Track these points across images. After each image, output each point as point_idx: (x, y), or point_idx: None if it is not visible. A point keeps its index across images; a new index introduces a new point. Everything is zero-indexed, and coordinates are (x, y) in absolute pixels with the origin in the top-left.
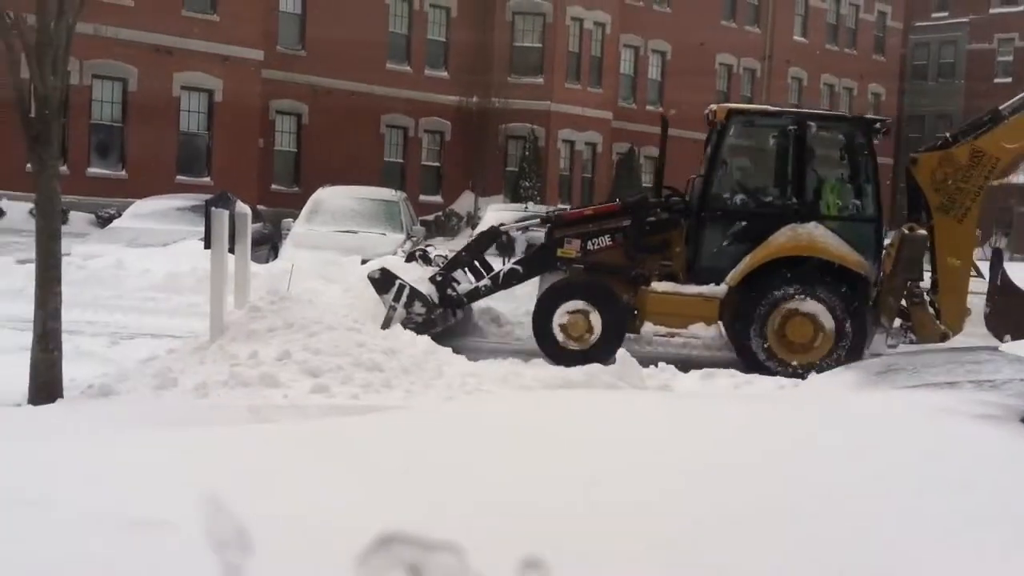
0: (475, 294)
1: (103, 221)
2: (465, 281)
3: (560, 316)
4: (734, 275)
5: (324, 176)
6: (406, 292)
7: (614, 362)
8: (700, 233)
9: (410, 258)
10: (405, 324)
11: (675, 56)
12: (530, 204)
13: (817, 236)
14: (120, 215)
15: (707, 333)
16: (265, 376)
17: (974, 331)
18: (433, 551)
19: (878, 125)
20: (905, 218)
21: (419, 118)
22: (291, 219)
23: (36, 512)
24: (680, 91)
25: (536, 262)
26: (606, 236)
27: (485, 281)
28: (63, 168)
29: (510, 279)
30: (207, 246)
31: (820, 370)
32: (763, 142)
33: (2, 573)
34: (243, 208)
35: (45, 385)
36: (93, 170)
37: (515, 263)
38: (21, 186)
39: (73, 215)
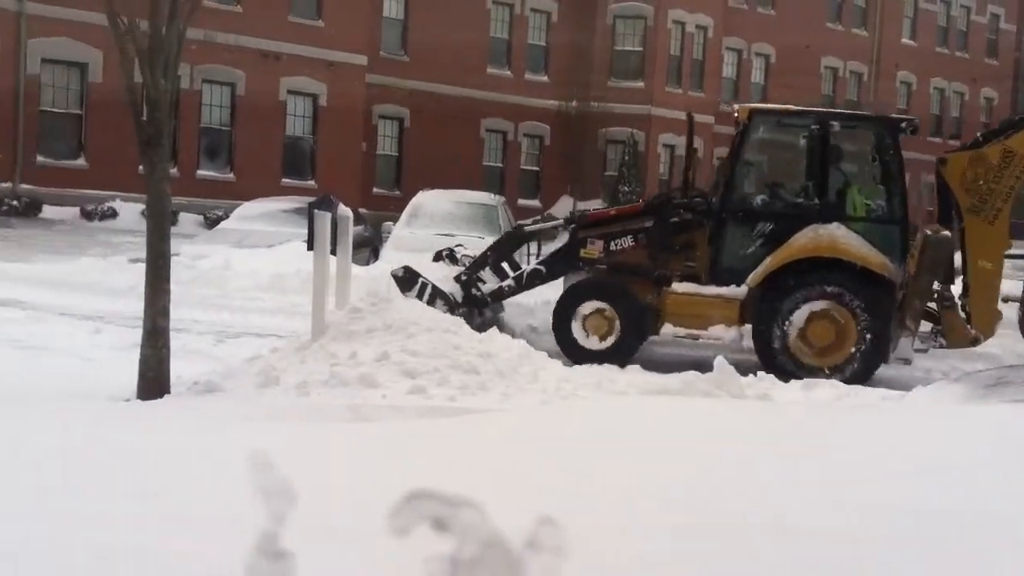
0: (499, 294)
1: (211, 222)
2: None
3: (580, 316)
4: (755, 276)
5: (424, 180)
6: (428, 290)
7: (628, 360)
8: (721, 234)
9: (437, 257)
10: None
11: (779, 59)
12: None
13: (839, 237)
14: (228, 217)
15: (728, 335)
16: (364, 376)
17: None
18: (456, 506)
19: (903, 125)
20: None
21: (519, 122)
22: (391, 222)
23: (143, 504)
24: (784, 94)
25: (559, 263)
26: (629, 237)
27: (509, 281)
28: (173, 171)
29: (533, 279)
30: (310, 248)
31: (841, 373)
32: (786, 142)
33: (117, 563)
34: (345, 211)
35: (153, 381)
36: (202, 172)
37: (539, 263)
38: (134, 188)
39: (183, 216)
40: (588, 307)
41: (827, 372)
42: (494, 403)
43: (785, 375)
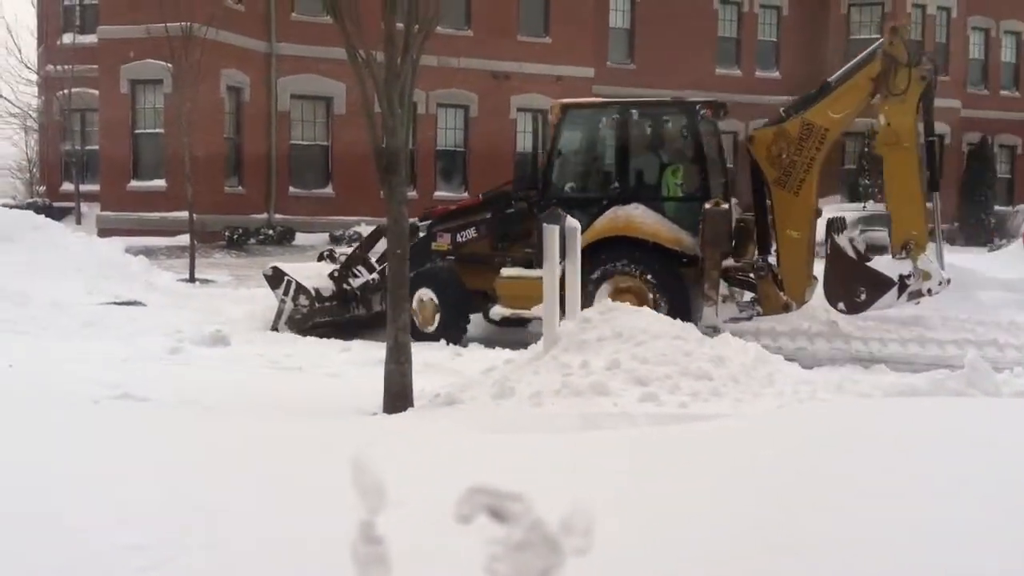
0: (366, 287)
1: None
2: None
3: (415, 303)
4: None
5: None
6: (293, 287)
7: (461, 342)
8: (519, 222)
9: (320, 257)
10: (293, 315)
11: None
12: (869, 203)
13: (634, 217)
14: None
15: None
16: (595, 385)
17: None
18: (505, 499)
19: (699, 107)
20: None
21: (750, 121)
22: None
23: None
24: None
25: (415, 256)
26: (472, 229)
27: (374, 275)
28: (412, 193)
29: (429, 262)
30: (539, 261)
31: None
32: (595, 132)
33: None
34: (572, 223)
35: (397, 395)
36: (440, 193)
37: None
38: (377, 212)
39: None
40: (418, 295)
41: None
42: (727, 409)
43: None
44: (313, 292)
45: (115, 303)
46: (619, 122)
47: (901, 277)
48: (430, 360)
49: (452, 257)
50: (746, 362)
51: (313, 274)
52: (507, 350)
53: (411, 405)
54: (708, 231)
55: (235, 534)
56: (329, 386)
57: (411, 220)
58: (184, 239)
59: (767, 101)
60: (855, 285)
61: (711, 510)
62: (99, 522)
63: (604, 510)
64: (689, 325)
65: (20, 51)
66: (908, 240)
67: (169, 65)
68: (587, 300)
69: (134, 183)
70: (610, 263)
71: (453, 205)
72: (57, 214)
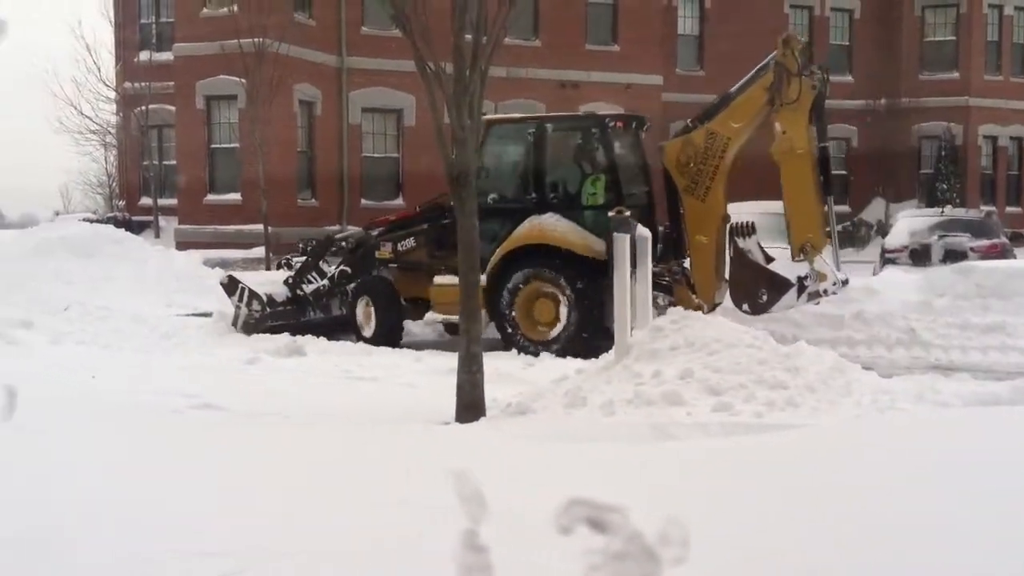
0: (318, 293)
1: None
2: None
3: (357, 309)
4: (489, 266)
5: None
6: (246, 293)
7: (397, 345)
8: (440, 233)
9: (279, 266)
10: (248, 320)
11: None
12: (947, 208)
13: (547, 226)
14: None
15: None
16: (668, 394)
17: None
18: (604, 511)
19: (608, 121)
20: None
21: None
22: None
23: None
24: None
25: (361, 264)
26: (411, 239)
27: (324, 282)
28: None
29: (342, 279)
30: (610, 270)
31: (559, 343)
32: (513, 147)
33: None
34: (643, 231)
35: (470, 404)
36: None
37: (344, 265)
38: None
39: None
40: (359, 303)
41: (552, 345)
42: (803, 418)
43: (520, 349)
44: (265, 298)
45: (193, 315)
46: (536, 136)
47: (799, 279)
48: (502, 370)
49: (395, 265)
50: (822, 371)
51: (266, 281)
52: (579, 360)
53: (483, 414)
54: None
55: (314, 541)
56: (402, 395)
57: (339, 233)
58: (259, 251)
59: (840, 106)
60: (757, 287)
61: (798, 524)
62: (181, 528)
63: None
64: (763, 333)
65: (100, 70)
66: (805, 243)
67: (243, 81)
68: (509, 304)
69: (210, 197)
70: (527, 270)
71: (393, 216)
72: (136, 228)
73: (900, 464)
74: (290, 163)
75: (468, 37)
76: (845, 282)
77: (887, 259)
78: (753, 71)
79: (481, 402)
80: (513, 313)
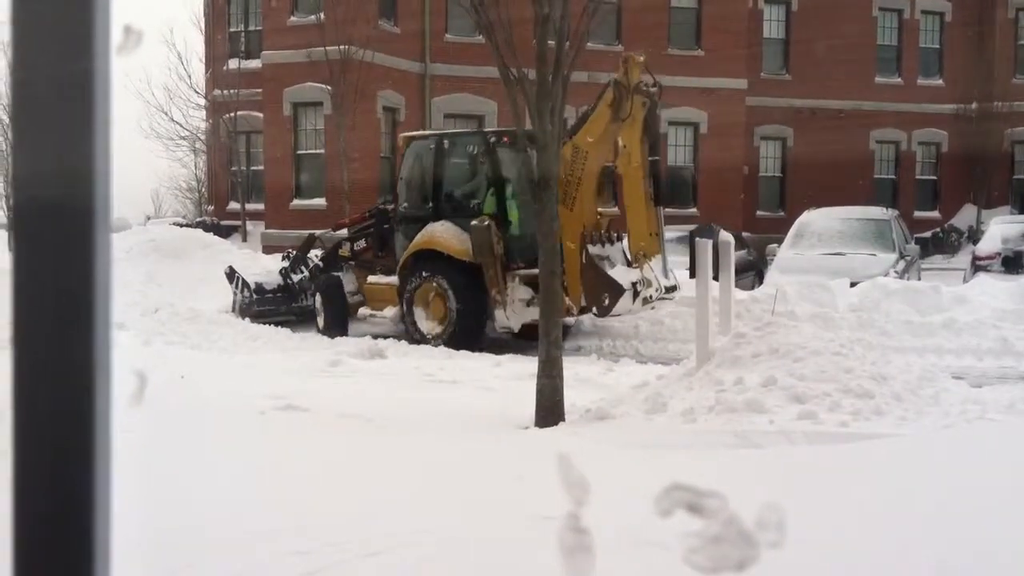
0: (301, 284)
1: None
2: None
3: (315, 304)
4: (398, 268)
5: (810, 199)
6: (240, 282)
7: (344, 335)
8: (394, 235)
9: (283, 258)
10: (241, 304)
11: None
12: None
13: (436, 233)
14: None
15: (391, 313)
16: (750, 402)
17: None
18: (703, 496)
19: (491, 137)
20: None
21: (912, 130)
22: (776, 244)
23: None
24: None
25: (330, 261)
26: (363, 240)
27: (306, 274)
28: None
29: (317, 273)
30: (692, 275)
31: (444, 339)
32: (421, 160)
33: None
34: (726, 237)
35: (549, 409)
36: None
37: (319, 260)
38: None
39: None
40: (316, 298)
41: (441, 339)
42: (889, 428)
43: (420, 342)
44: (253, 286)
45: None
46: (435, 151)
47: (632, 284)
48: (581, 374)
49: (352, 263)
50: (910, 380)
51: (262, 271)
52: (659, 365)
53: (563, 419)
54: (473, 244)
55: (398, 540)
56: (481, 399)
57: (318, 232)
58: None
59: (930, 110)
60: (600, 292)
61: (883, 537)
62: (263, 528)
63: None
64: (851, 341)
65: (190, 77)
66: (639, 251)
67: (329, 88)
68: (409, 302)
69: (296, 202)
70: (421, 272)
71: (346, 219)
72: (224, 232)
73: (989, 477)
74: (373, 169)
75: (551, 43)
76: (673, 288)
77: (978, 266)
78: (601, 89)
79: (561, 407)
80: (414, 310)
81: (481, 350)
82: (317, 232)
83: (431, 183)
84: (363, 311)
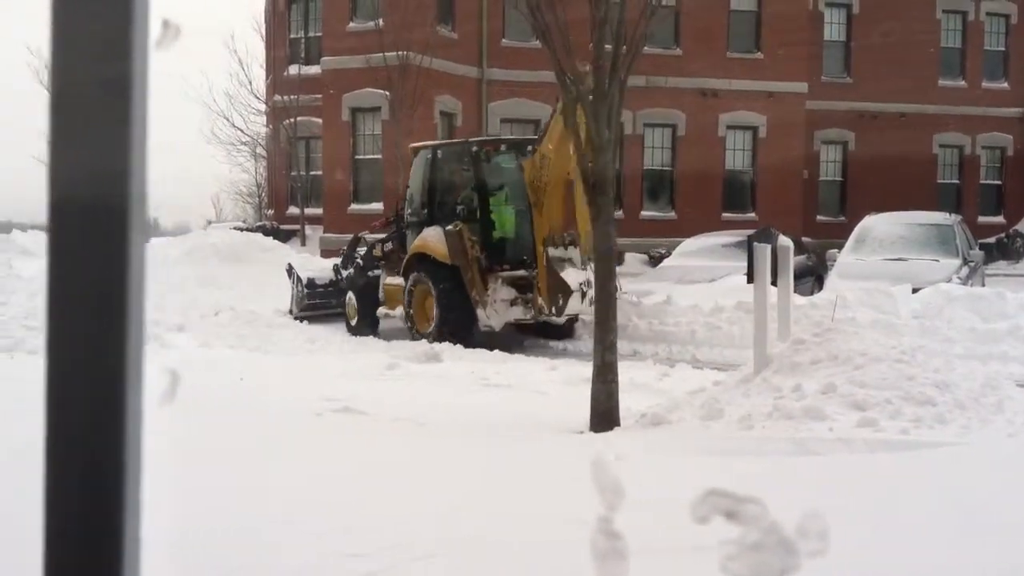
0: (349, 279)
1: (654, 260)
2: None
3: (347, 305)
4: (402, 271)
5: (871, 203)
6: (295, 278)
7: (378, 335)
8: (403, 239)
9: (339, 253)
10: (297, 300)
11: None
12: None
13: (428, 237)
14: (669, 254)
15: (399, 312)
16: (809, 409)
17: None
18: (742, 502)
19: (474, 147)
20: None
21: (976, 134)
22: (836, 250)
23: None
24: None
25: (368, 260)
26: (390, 242)
27: (351, 271)
28: (618, 213)
29: (359, 270)
30: (750, 281)
31: (434, 336)
32: (423, 168)
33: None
34: (785, 241)
35: (604, 414)
36: (646, 213)
37: (360, 259)
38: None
39: (628, 256)
40: (348, 298)
41: (430, 336)
42: (952, 436)
43: (418, 339)
44: (306, 281)
45: (351, 325)
46: (431, 160)
47: (580, 285)
48: (637, 380)
49: (383, 262)
50: (973, 387)
51: (316, 268)
52: (716, 371)
53: (617, 424)
54: (448, 248)
55: (449, 544)
56: (536, 403)
57: (361, 233)
58: None
59: (994, 113)
60: (556, 293)
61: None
62: (323, 530)
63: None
64: (913, 348)
65: (251, 83)
66: (587, 253)
67: (387, 93)
68: (408, 301)
69: (354, 206)
70: (414, 274)
71: (377, 222)
72: (283, 236)
73: None
74: None
75: (607, 47)
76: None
77: None
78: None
79: (615, 412)
80: (411, 310)
81: (474, 346)
82: (362, 233)
83: (427, 190)
84: (381, 310)
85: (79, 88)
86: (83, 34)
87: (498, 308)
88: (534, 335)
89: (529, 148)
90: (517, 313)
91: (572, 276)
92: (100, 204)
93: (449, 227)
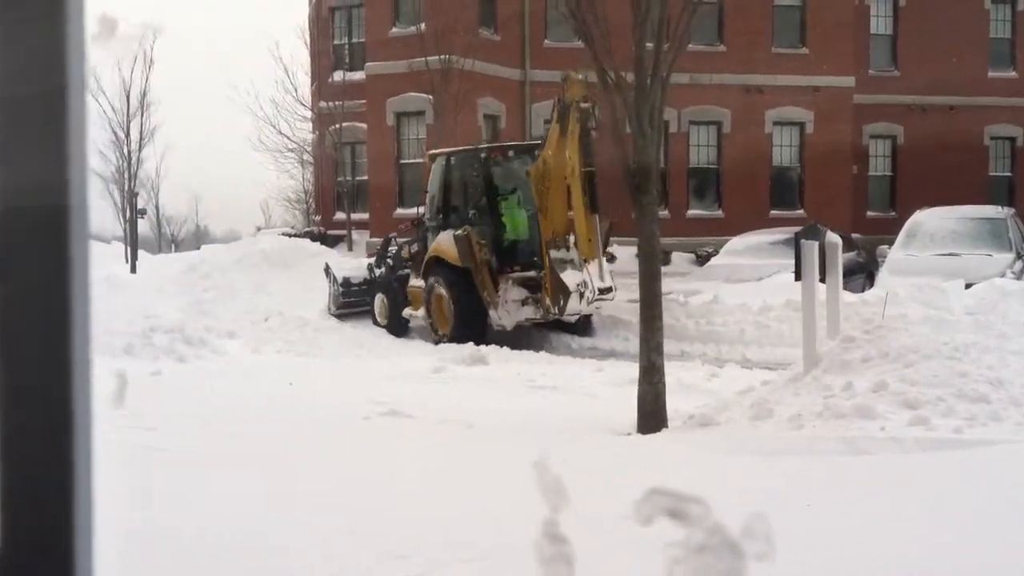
0: (383, 278)
1: (701, 260)
2: None
3: (377, 303)
4: (422, 272)
5: (921, 198)
6: (331, 276)
7: (407, 335)
8: (426, 241)
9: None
10: (333, 297)
11: None
12: None
13: (442, 241)
14: (717, 253)
15: (421, 313)
16: (860, 407)
17: None
18: (685, 501)
19: (483, 154)
20: None
21: None
22: (887, 246)
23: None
24: None
25: (396, 260)
26: (415, 244)
27: (382, 270)
28: (664, 212)
29: (388, 270)
30: (798, 278)
31: (450, 335)
32: (442, 174)
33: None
34: (833, 238)
35: (651, 415)
36: (692, 212)
37: (390, 258)
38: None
39: (675, 256)
40: (377, 298)
41: (447, 336)
42: (1007, 434)
43: (440, 342)
44: (340, 279)
45: (383, 325)
46: (445, 166)
47: (576, 286)
48: (685, 381)
49: (411, 263)
50: None
51: (353, 267)
52: (765, 370)
53: (665, 425)
54: (458, 251)
55: (494, 547)
56: (583, 405)
57: (392, 234)
58: None
59: None
60: (557, 293)
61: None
62: (365, 530)
63: (883, 536)
64: (966, 344)
65: (296, 90)
66: (583, 255)
67: (430, 97)
68: (427, 303)
69: (399, 210)
70: (431, 277)
71: (403, 225)
72: (331, 242)
73: None
74: None
75: (649, 46)
76: (608, 289)
77: None
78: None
79: (663, 413)
80: (431, 311)
81: (487, 344)
82: (392, 234)
83: (443, 195)
84: (407, 311)
85: (16, 102)
86: (19, 47)
87: (509, 308)
88: (558, 332)
89: (536, 152)
90: (528, 313)
91: (570, 277)
92: (40, 213)
93: (458, 232)
